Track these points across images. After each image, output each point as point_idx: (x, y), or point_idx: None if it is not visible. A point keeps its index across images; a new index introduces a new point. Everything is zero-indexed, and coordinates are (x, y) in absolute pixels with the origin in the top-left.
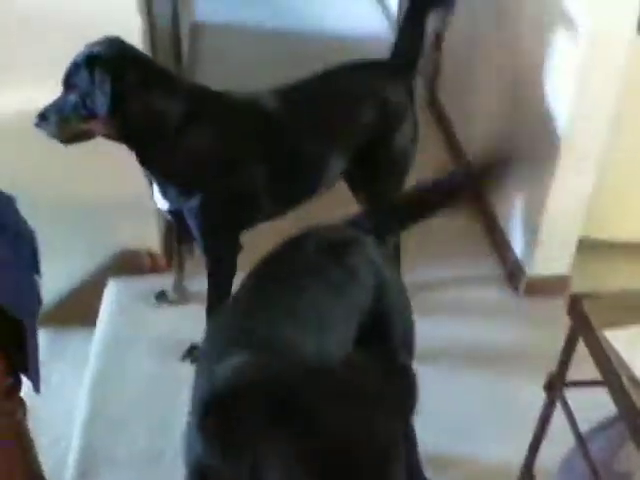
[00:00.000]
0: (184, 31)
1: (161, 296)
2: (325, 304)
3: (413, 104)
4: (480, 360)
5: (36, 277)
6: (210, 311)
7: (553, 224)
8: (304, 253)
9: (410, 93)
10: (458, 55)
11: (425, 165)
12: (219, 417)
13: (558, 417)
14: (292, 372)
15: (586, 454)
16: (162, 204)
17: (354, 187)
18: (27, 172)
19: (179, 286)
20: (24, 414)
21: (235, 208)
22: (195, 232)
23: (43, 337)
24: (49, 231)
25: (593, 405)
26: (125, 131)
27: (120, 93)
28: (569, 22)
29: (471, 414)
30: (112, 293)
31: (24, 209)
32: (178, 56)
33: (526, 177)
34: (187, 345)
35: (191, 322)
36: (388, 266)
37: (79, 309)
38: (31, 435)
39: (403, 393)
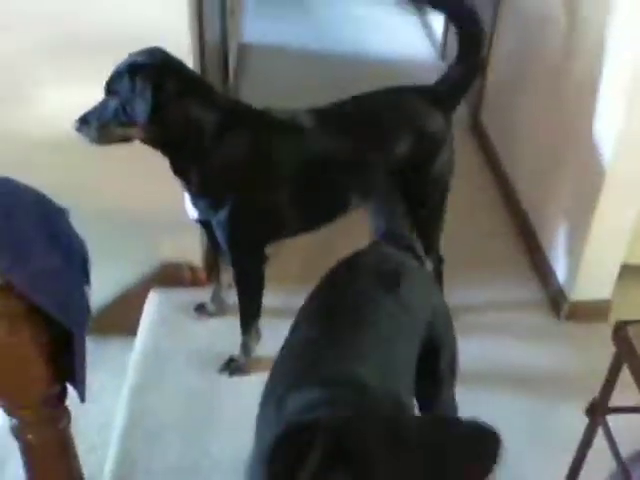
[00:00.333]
0: (232, 51)
1: (200, 308)
2: (388, 338)
3: (450, 134)
4: (521, 384)
5: (86, 287)
6: (242, 323)
7: (596, 249)
8: (363, 283)
9: (449, 123)
10: (502, 80)
11: (466, 190)
12: (289, 452)
13: (599, 442)
14: (368, 419)
15: None
16: (193, 213)
17: None
18: (71, 184)
19: (217, 298)
20: (68, 423)
21: (262, 223)
22: (222, 243)
23: None
24: (92, 242)
25: (636, 431)
26: (162, 138)
27: (160, 101)
28: (616, 51)
29: (511, 438)
30: (153, 304)
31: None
32: (225, 75)
33: (570, 203)
34: (225, 357)
35: (229, 334)
36: (437, 293)
37: (120, 319)
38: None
39: (486, 460)
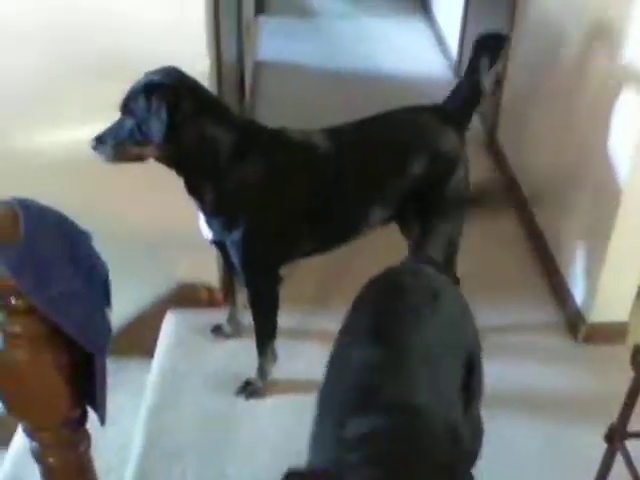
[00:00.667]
0: (247, 69)
1: (217, 329)
2: (439, 361)
3: (464, 152)
4: (538, 406)
5: (107, 310)
6: (258, 345)
7: (614, 271)
8: (409, 303)
9: (462, 141)
10: (518, 98)
11: (489, 219)
12: None
13: (618, 466)
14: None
15: None
16: (207, 234)
17: (405, 232)
18: (88, 206)
19: (233, 319)
20: (88, 445)
21: (276, 243)
22: (236, 264)
23: None
24: (108, 263)
25: None
26: (177, 158)
27: (175, 121)
28: (631, 67)
29: (528, 463)
30: (170, 325)
31: None
32: (241, 93)
33: (587, 223)
34: (242, 379)
35: (246, 356)
36: (470, 313)
37: (137, 340)
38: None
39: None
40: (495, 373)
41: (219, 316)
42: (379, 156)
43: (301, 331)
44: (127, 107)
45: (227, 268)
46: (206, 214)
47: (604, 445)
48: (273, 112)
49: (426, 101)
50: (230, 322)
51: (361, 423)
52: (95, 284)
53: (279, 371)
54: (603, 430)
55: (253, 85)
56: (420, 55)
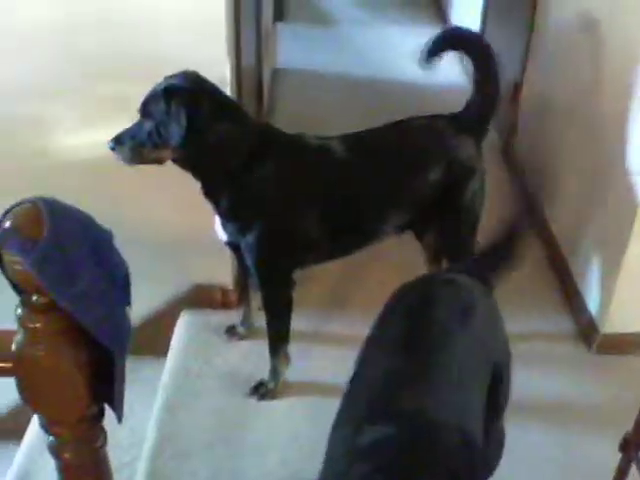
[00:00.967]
0: (266, 76)
1: (231, 330)
2: (464, 374)
3: (481, 161)
4: (552, 416)
5: (127, 309)
6: (271, 347)
7: (629, 282)
8: (439, 315)
9: (479, 150)
10: (535, 109)
11: (497, 219)
12: None
13: (633, 477)
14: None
15: None
16: (222, 235)
17: (421, 240)
18: (104, 207)
19: (247, 321)
20: (105, 442)
21: (290, 248)
22: (250, 267)
23: None
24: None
25: None
26: (194, 161)
27: (194, 126)
28: None
29: (540, 471)
30: (184, 325)
31: None
32: (259, 100)
33: (603, 233)
34: (255, 380)
35: (259, 357)
36: (502, 324)
37: (151, 340)
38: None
39: None
40: None
41: (233, 317)
42: (395, 163)
43: (315, 334)
44: (146, 110)
45: (241, 270)
46: (222, 217)
47: (618, 455)
48: (291, 119)
49: (443, 109)
50: (244, 323)
51: (375, 432)
52: (116, 282)
53: (292, 373)
54: (617, 440)
55: (271, 92)
56: (439, 64)
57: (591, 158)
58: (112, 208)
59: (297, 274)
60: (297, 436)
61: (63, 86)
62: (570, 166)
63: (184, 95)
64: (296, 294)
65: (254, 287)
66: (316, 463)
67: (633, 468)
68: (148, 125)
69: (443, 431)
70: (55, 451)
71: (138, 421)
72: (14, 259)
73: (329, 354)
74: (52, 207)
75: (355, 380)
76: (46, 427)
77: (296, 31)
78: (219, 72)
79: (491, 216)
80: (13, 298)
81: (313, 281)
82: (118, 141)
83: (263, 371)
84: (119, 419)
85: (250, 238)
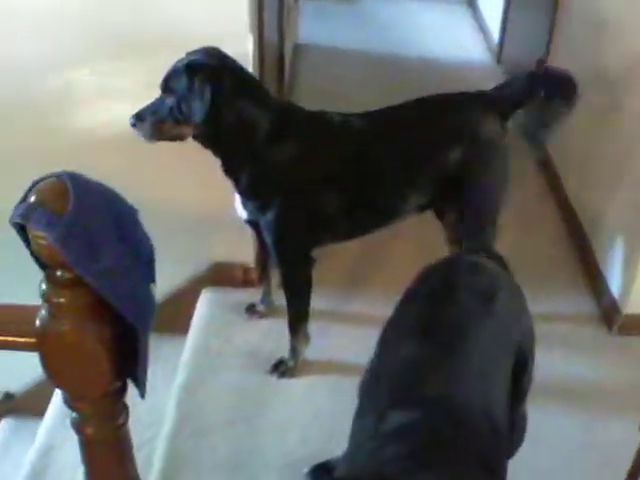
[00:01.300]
0: (287, 52)
1: (251, 309)
2: (487, 358)
3: (506, 141)
4: (574, 397)
5: (152, 286)
6: (291, 326)
7: None
8: (461, 299)
9: (504, 129)
10: None
11: (521, 199)
12: None
13: None
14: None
15: None
16: (242, 213)
17: (442, 218)
18: (125, 185)
19: (266, 299)
20: (127, 418)
21: (309, 226)
22: (269, 245)
23: None
24: None
25: None
26: (215, 138)
27: (216, 102)
28: None
29: (561, 452)
30: (204, 303)
31: None
32: (281, 76)
33: (627, 214)
34: (275, 358)
35: (280, 335)
36: (526, 308)
37: (172, 318)
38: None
39: None
40: None
41: (254, 295)
42: (417, 140)
43: (335, 313)
44: (168, 85)
45: (261, 248)
46: (241, 194)
47: (639, 436)
48: (312, 95)
49: (466, 86)
50: (264, 301)
51: (399, 416)
52: (141, 259)
53: (312, 351)
54: (638, 421)
55: (293, 67)
56: (462, 42)
57: (616, 137)
58: (132, 186)
59: (317, 252)
60: (317, 414)
61: (87, 61)
62: (595, 146)
63: (207, 71)
64: (315, 273)
65: (274, 265)
66: (336, 442)
67: None
68: (170, 101)
69: (470, 416)
70: (78, 426)
71: (158, 398)
72: (39, 234)
73: (348, 333)
74: (77, 182)
75: (376, 365)
76: (69, 402)
77: (318, 6)
78: (242, 47)
79: (513, 197)
80: (36, 274)
81: (333, 260)
82: (139, 117)
83: (283, 349)
84: (142, 395)
85: (270, 216)
